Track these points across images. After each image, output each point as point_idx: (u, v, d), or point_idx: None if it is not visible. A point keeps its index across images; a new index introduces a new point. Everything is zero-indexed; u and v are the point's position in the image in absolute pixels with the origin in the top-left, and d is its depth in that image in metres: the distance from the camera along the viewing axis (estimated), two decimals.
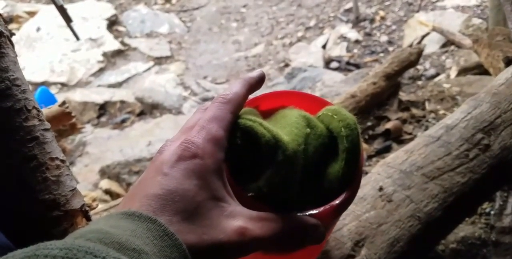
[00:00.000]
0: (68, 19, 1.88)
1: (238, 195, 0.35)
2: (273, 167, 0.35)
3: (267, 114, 0.44)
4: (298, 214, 0.36)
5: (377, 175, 0.85)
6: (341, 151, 0.39)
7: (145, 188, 0.31)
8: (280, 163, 0.35)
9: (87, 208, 0.50)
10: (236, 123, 0.37)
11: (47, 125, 0.47)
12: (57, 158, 0.47)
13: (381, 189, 0.82)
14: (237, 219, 0.32)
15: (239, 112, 0.38)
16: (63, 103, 0.82)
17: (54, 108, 0.81)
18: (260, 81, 0.41)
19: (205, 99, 3.34)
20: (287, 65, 3.66)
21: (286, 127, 0.39)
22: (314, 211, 0.37)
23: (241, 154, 0.36)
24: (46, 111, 0.80)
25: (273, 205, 0.35)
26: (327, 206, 0.37)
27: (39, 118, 0.46)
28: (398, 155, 0.88)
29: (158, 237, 0.27)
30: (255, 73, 0.41)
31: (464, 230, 1.15)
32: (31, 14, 4.73)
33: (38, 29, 4.47)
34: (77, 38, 2.16)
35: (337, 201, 0.38)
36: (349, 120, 0.39)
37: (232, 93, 0.38)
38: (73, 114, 0.82)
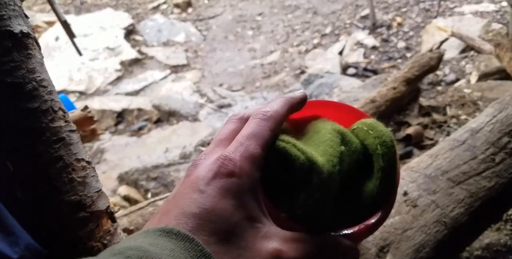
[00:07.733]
0: (71, 34, 1.89)
1: (272, 214, 0.34)
2: (307, 191, 0.33)
3: (298, 124, 0.42)
4: (332, 233, 0.35)
5: (401, 180, 0.83)
6: (376, 170, 0.37)
7: (180, 205, 0.31)
8: (315, 187, 0.33)
9: (112, 210, 0.49)
10: (271, 143, 0.35)
11: (73, 126, 0.47)
12: (83, 159, 0.47)
13: (405, 194, 0.80)
14: (272, 240, 0.31)
15: (278, 131, 0.37)
16: (85, 107, 0.82)
17: (76, 113, 0.81)
18: (301, 102, 0.39)
19: (221, 106, 3.35)
20: (303, 72, 3.66)
21: (320, 145, 0.37)
22: (349, 231, 0.36)
23: (276, 174, 0.35)
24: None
25: (307, 224, 0.34)
26: (361, 226, 0.36)
27: (65, 120, 0.46)
28: (422, 160, 0.87)
29: (195, 258, 0.27)
30: (297, 94, 0.39)
31: (489, 236, 1.12)
32: (50, 24, 4.83)
33: (56, 39, 4.54)
34: (80, 54, 2.17)
35: (372, 221, 0.37)
36: (386, 137, 0.37)
37: (273, 111, 0.36)
38: (95, 118, 0.83)
